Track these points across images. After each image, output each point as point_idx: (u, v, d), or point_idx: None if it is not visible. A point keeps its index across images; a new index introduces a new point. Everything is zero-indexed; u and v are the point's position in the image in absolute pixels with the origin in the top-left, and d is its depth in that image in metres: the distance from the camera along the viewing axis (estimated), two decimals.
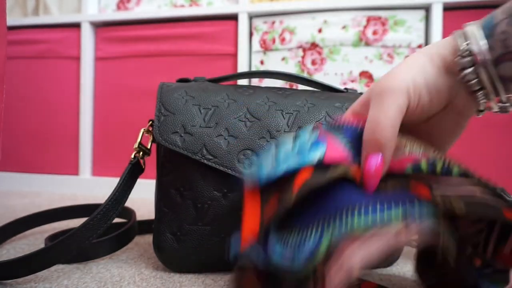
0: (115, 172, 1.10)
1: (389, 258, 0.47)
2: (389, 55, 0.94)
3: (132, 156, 0.47)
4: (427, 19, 0.94)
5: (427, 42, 0.94)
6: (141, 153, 0.48)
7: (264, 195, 0.32)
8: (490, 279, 0.31)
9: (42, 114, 1.14)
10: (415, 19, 0.93)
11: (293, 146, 0.33)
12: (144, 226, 0.63)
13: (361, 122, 0.34)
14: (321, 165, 0.30)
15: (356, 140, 0.33)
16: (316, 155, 0.30)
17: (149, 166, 1.04)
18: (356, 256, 0.23)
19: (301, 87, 0.99)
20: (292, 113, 0.46)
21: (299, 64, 0.99)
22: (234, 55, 1.03)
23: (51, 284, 0.40)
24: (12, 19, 1.14)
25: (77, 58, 1.12)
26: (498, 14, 0.29)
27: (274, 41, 1.00)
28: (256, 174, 0.33)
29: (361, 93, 0.54)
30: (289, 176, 0.30)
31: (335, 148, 0.32)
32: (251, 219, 0.31)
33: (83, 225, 0.40)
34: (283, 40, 1.00)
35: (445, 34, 0.91)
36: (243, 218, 0.31)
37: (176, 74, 1.06)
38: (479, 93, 0.30)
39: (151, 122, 0.48)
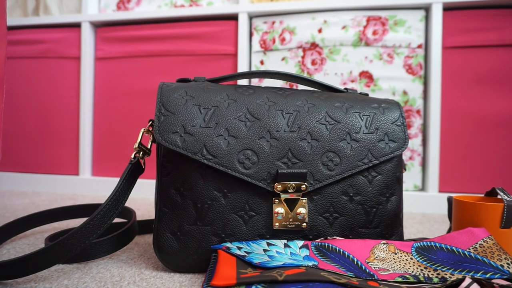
0: (115, 172, 1.10)
1: None
2: (389, 55, 0.94)
3: (132, 156, 0.47)
4: (427, 19, 0.94)
5: (427, 42, 0.94)
6: (141, 153, 0.48)
7: (240, 263, 0.37)
8: None
9: (42, 114, 1.14)
10: (415, 19, 0.93)
11: (285, 252, 0.40)
12: (144, 226, 0.63)
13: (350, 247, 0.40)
14: (316, 267, 0.36)
15: (350, 265, 0.38)
16: (309, 263, 0.37)
17: (149, 166, 1.05)
18: None
19: (301, 87, 0.99)
20: (292, 113, 0.46)
21: (299, 64, 0.99)
22: (234, 55, 1.03)
23: (51, 284, 0.40)
24: (12, 19, 1.14)
25: (77, 58, 1.12)
26: None
27: (274, 41, 1.00)
28: (242, 254, 0.38)
29: (361, 93, 0.54)
30: (278, 268, 0.35)
31: (327, 265, 0.38)
32: (227, 267, 0.35)
33: (83, 225, 0.40)
34: (283, 40, 1.00)
35: (445, 34, 0.91)
36: (218, 261, 0.36)
37: (176, 74, 1.06)
38: None
39: (151, 122, 0.48)
